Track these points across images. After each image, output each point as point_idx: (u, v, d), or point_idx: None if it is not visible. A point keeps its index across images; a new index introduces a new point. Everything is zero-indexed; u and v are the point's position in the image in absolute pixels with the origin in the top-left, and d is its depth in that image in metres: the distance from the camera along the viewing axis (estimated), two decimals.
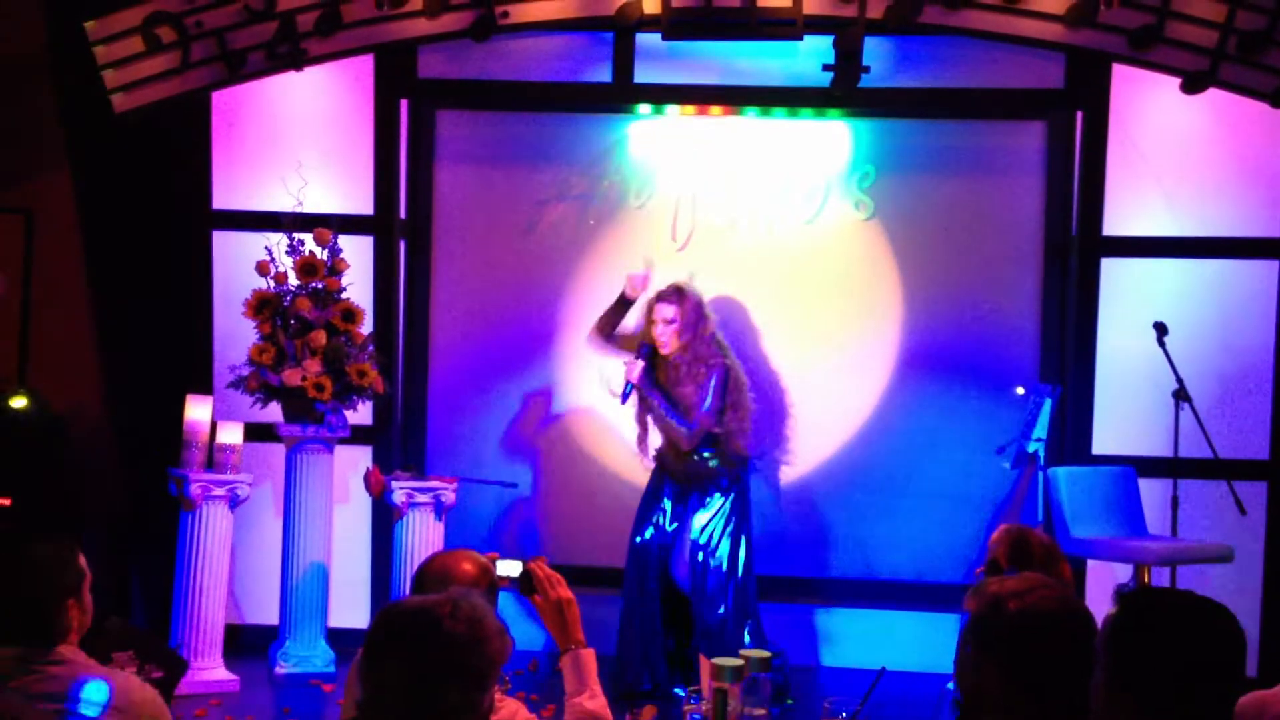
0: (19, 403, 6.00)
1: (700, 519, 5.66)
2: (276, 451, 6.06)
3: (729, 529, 5.66)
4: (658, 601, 5.70)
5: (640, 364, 5.68)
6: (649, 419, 5.80)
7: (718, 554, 5.62)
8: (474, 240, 6.64)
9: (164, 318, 6.40)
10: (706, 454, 5.70)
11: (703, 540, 5.62)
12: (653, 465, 5.87)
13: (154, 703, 2.73)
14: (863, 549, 6.47)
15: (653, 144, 6.58)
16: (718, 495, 5.69)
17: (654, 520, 5.75)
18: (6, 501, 5.86)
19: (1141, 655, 2.04)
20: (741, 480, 5.75)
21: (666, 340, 5.67)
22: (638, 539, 5.76)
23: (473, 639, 2.12)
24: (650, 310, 5.74)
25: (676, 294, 5.71)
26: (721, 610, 5.57)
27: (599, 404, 6.51)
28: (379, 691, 2.11)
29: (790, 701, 5.57)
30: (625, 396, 5.76)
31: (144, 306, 6.41)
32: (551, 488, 6.55)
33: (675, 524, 5.73)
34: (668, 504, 5.75)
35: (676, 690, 5.54)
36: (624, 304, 5.86)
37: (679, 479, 5.74)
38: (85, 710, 2.61)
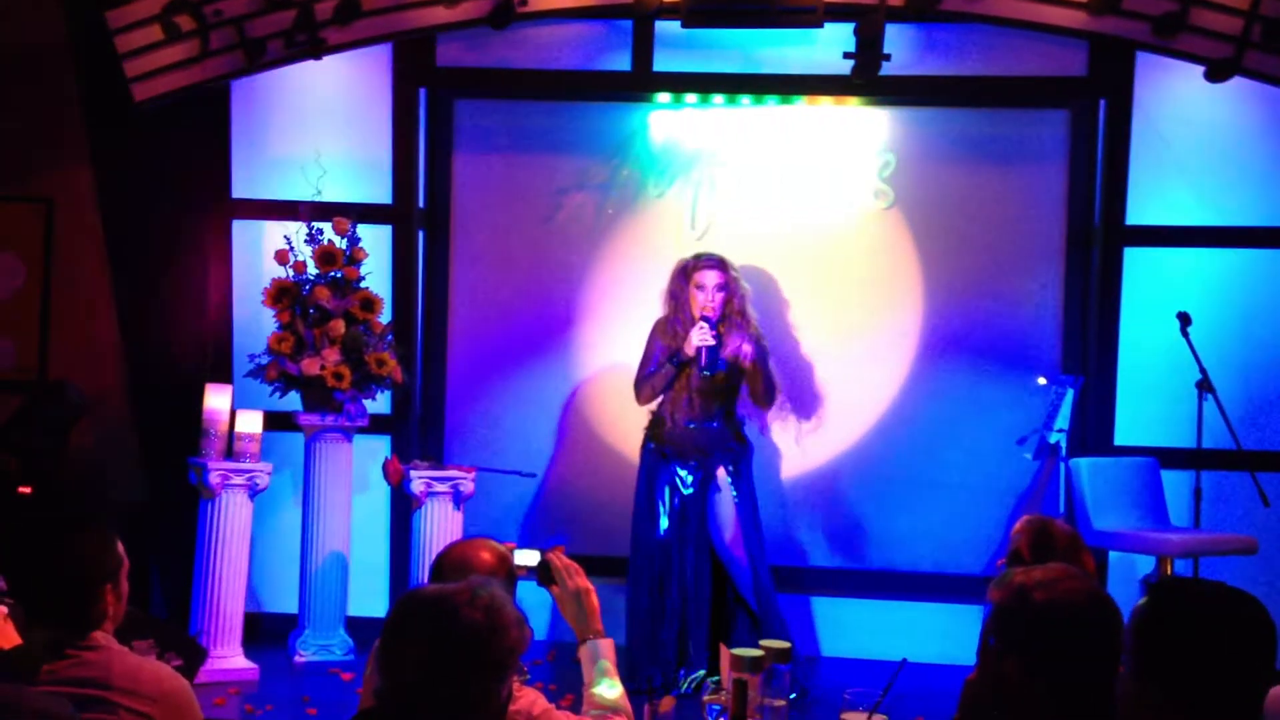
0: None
1: (728, 499, 5.59)
2: (295, 440, 6.07)
3: (753, 509, 5.62)
4: (681, 597, 5.61)
5: (711, 331, 5.52)
6: (689, 385, 5.62)
7: (756, 534, 5.58)
8: (492, 229, 6.63)
9: (183, 306, 6.40)
10: (739, 421, 5.68)
11: (749, 523, 5.58)
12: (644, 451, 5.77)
13: (184, 692, 2.73)
14: (882, 540, 6.43)
15: (672, 132, 6.55)
16: (743, 470, 5.65)
17: (666, 510, 5.64)
18: (27, 490, 5.89)
19: (1170, 645, 2.02)
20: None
21: (716, 307, 5.58)
22: (658, 534, 5.64)
23: (491, 628, 2.11)
24: (690, 279, 5.62)
25: (720, 261, 5.64)
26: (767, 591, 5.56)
27: (618, 393, 6.49)
28: (396, 680, 2.10)
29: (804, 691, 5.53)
30: (713, 363, 5.54)
31: (163, 295, 6.42)
32: (570, 477, 6.53)
33: (697, 505, 5.60)
34: (685, 475, 5.61)
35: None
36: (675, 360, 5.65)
37: (696, 451, 5.62)
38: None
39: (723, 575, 5.63)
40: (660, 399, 5.74)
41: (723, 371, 5.59)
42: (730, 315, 5.63)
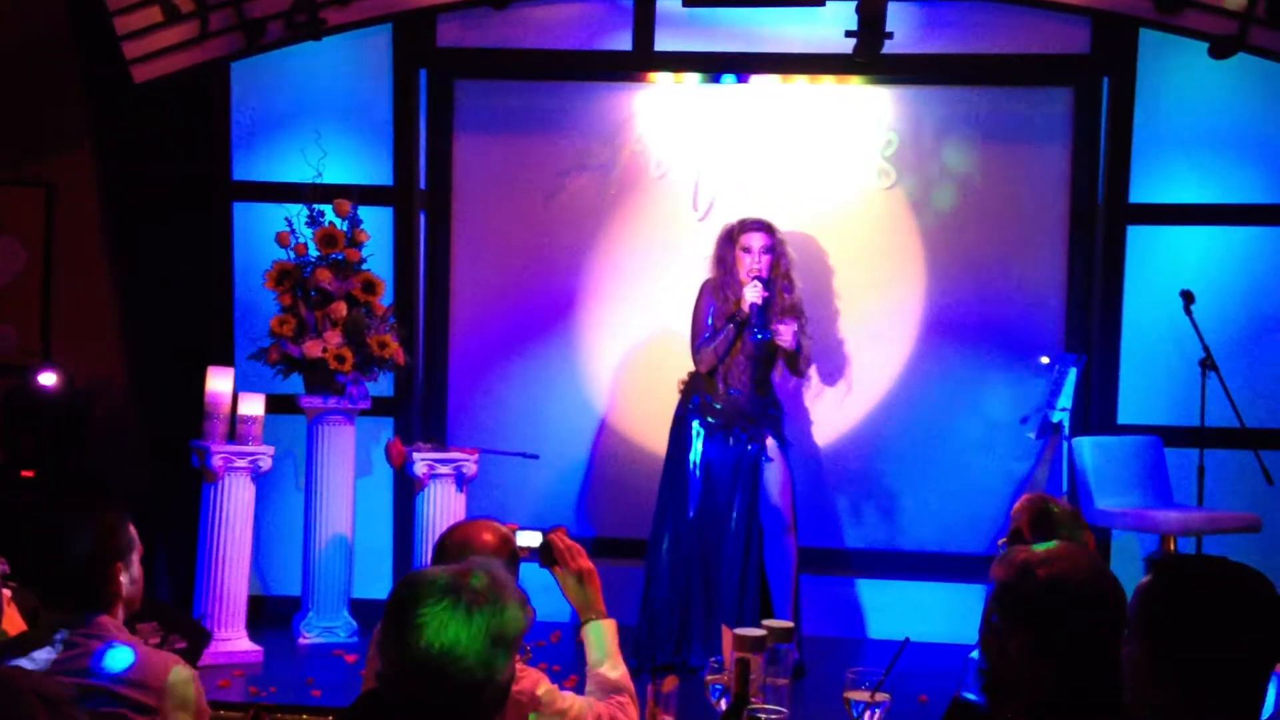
0: None
1: (780, 466, 5.56)
2: (298, 423, 6.07)
3: (792, 485, 5.61)
4: (705, 573, 5.55)
5: (762, 290, 5.50)
6: (742, 350, 5.57)
7: (788, 514, 5.56)
8: (494, 211, 6.61)
9: (185, 290, 6.39)
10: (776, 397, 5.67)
11: (776, 502, 5.55)
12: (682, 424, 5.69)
13: (189, 681, 2.71)
14: (886, 520, 6.44)
15: (673, 112, 6.53)
16: (786, 436, 5.65)
17: (709, 485, 5.56)
18: (30, 474, 5.89)
19: (1177, 622, 2.00)
20: None
21: (766, 268, 5.55)
22: (691, 512, 5.57)
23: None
24: (737, 242, 5.58)
25: (766, 224, 5.61)
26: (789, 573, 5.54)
27: (620, 374, 6.50)
28: (400, 678, 2.09)
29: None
30: (762, 323, 5.52)
31: (165, 279, 6.41)
32: (573, 458, 6.53)
33: (749, 476, 5.53)
34: (732, 445, 5.54)
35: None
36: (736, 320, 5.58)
37: (743, 419, 5.56)
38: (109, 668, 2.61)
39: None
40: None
41: (767, 339, 5.57)
42: (777, 278, 5.61)
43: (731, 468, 5.56)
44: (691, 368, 5.73)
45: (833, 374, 6.41)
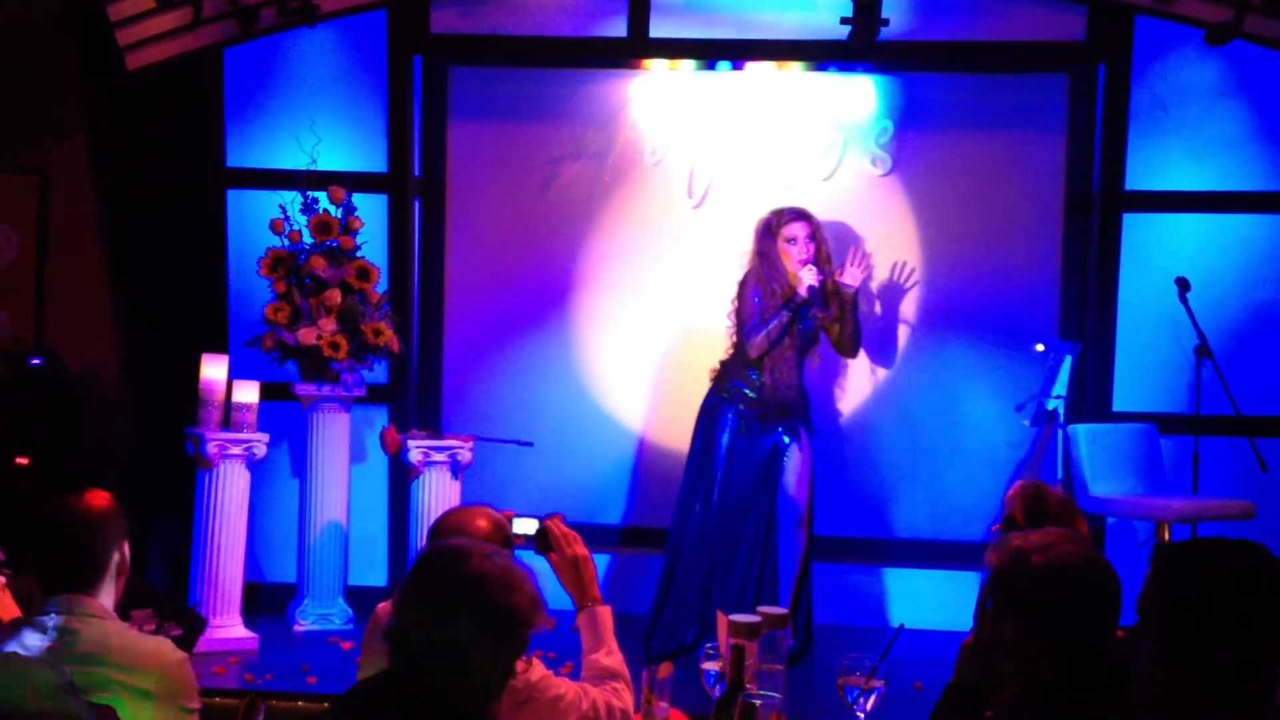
0: None
1: (805, 458, 5.55)
2: (293, 410, 6.06)
3: (812, 476, 5.60)
4: (727, 563, 5.51)
5: (818, 274, 5.51)
6: (791, 342, 5.56)
7: (804, 505, 5.55)
8: (488, 198, 6.60)
9: (179, 277, 6.38)
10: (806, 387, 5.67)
11: (794, 492, 5.54)
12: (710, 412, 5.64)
13: (183, 665, 2.72)
14: (881, 507, 6.44)
15: (668, 99, 6.52)
16: (815, 425, 5.66)
17: (740, 475, 5.53)
18: (25, 461, 5.88)
19: (1191, 607, 1.97)
20: None
21: (810, 257, 5.56)
22: (697, 506, 5.55)
23: (503, 584, 2.12)
24: (779, 235, 5.57)
25: (803, 212, 5.62)
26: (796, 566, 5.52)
27: (615, 360, 6.50)
28: (402, 632, 2.11)
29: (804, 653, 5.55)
30: (823, 303, 5.60)
31: (159, 266, 6.39)
32: (568, 446, 6.52)
33: (775, 465, 5.51)
34: (765, 436, 5.51)
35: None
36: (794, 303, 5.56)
37: (780, 411, 5.52)
38: None
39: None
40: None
41: (827, 316, 5.63)
42: (820, 262, 5.62)
43: (760, 457, 5.54)
44: (718, 356, 5.71)
45: (827, 361, 6.40)
